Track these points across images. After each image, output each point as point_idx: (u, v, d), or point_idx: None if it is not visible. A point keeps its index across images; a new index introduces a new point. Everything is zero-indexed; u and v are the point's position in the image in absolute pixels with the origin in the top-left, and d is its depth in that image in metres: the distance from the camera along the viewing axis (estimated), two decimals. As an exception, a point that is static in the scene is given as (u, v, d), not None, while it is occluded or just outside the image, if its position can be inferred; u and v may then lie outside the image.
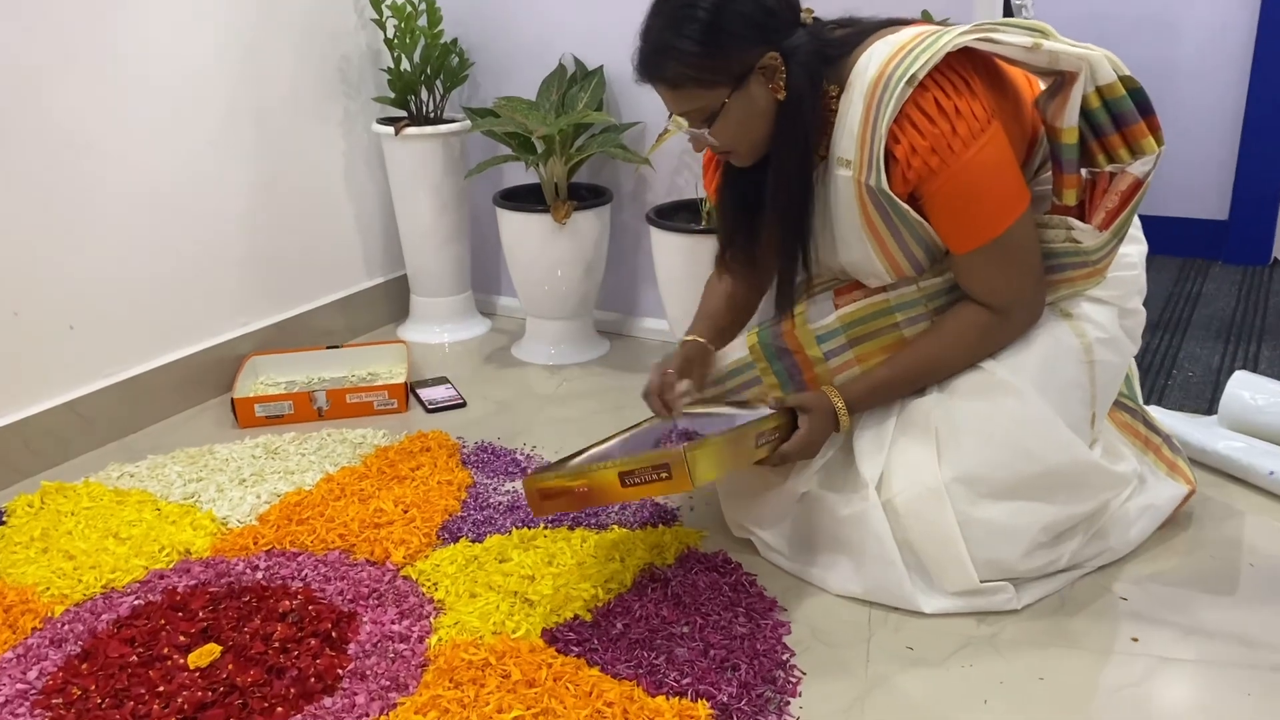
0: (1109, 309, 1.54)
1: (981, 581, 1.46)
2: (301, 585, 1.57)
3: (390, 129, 2.46)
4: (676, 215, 2.28)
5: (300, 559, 1.64)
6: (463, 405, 2.22)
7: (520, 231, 2.38)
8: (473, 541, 1.67)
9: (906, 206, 1.43)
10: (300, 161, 2.45)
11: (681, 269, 2.19)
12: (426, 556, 1.64)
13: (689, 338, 1.64)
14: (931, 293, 1.53)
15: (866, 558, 1.50)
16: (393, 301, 2.73)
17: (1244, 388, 1.89)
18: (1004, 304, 1.47)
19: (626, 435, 1.63)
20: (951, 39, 1.36)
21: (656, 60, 1.41)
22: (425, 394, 2.25)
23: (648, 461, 1.33)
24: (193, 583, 1.58)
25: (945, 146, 1.37)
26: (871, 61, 1.39)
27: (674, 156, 2.39)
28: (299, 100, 2.42)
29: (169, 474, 1.91)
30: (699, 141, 1.47)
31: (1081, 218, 1.47)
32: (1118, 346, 1.55)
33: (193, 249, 2.23)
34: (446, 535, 1.70)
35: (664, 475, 1.32)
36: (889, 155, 1.40)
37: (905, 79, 1.35)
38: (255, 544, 1.68)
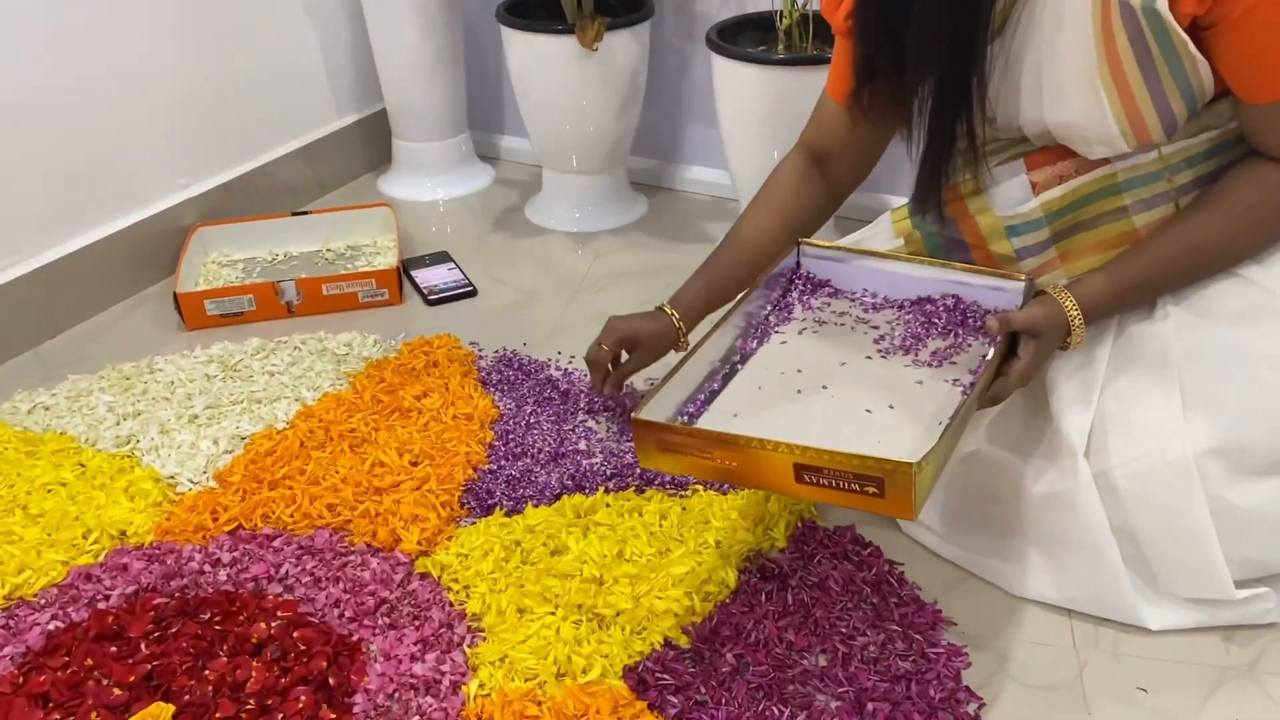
0: None
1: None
2: (282, 591, 1.15)
3: (356, -80, 1.87)
4: (741, 36, 1.74)
5: (277, 545, 1.21)
6: (473, 293, 1.74)
7: (533, 59, 1.84)
8: (509, 514, 1.24)
9: (1187, 38, 0.95)
10: (241, -34, 1.87)
11: (751, 111, 1.68)
12: (450, 539, 1.21)
13: (665, 308, 1.28)
14: (1176, 163, 1.06)
15: (1070, 552, 1.08)
16: (370, 146, 2.19)
17: None
18: None
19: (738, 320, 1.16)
20: None
21: None
22: (423, 278, 1.77)
23: (849, 464, 0.89)
24: (131, 588, 1.15)
25: None
26: None
27: (735, -47, 1.83)
28: (233, -118, 1.82)
29: (96, 406, 1.45)
30: None
31: None
32: None
33: (112, 91, 1.68)
34: (473, 504, 1.26)
35: (870, 490, 0.88)
36: None
37: None
38: (215, 520, 1.25)
